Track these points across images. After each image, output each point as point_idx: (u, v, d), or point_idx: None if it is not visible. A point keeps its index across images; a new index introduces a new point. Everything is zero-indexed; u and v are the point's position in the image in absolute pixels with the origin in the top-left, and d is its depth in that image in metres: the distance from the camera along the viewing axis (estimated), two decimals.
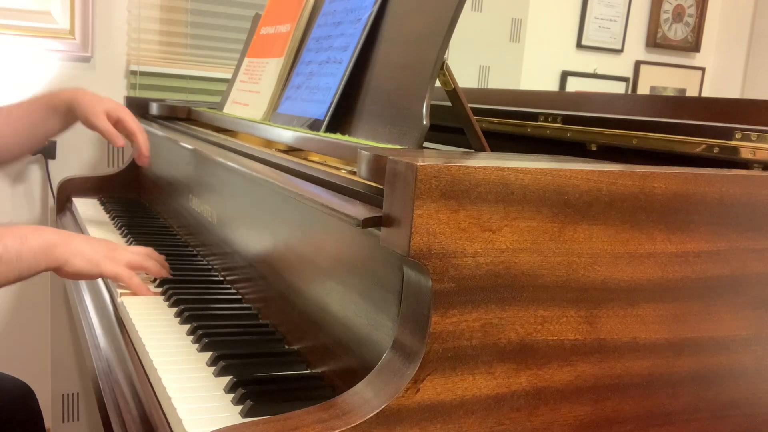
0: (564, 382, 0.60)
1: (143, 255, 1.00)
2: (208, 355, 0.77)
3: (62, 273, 0.91)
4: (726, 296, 0.67)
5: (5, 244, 0.85)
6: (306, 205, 0.77)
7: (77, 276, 0.92)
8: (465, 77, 2.29)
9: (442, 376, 0.54)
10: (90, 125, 1.30)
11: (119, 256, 0.95)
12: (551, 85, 2.52)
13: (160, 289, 0.99)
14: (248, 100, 1.23)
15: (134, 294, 0.96)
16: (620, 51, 2.60)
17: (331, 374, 0.72)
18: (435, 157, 0.57)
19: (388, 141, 0.80)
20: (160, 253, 1.05)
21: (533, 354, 0.58)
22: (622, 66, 2.63)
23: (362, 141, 0.81)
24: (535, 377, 0.58)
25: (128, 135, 1.33)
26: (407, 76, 0.82)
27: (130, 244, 1.22)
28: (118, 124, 1.31)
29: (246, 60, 1.34)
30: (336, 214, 0.62)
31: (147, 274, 1.01)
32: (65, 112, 1.31)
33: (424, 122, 0.76)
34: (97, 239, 0.98)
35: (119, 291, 0.97)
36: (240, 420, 0.64)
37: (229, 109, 1.32)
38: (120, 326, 0.91)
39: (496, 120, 1.04)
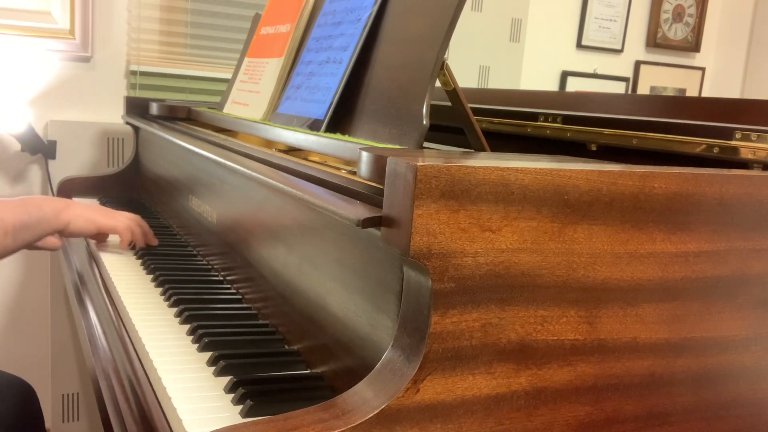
0: (564, 382, 0.60)
1: (133, 220, 1.17)
2: (208, 355, 0.77)
3: (66, 233, 1.08)
4: (726, 296, 0.67)
5: (29, 212, 1.00)
6: (306, 205, 0.77)
7: (79, 234, 1.11)
8: (465, 77, 2.29)
9: (442, 376, 0.54)
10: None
11: (113, 215, 1.15)
12: (551, 85, 2.52)
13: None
14: (248, 100, 1.23)
15: (140, 243, 1.17)
16: (620, 51, 2.60)
17: (331, 374, 0.72)
18: (435, 157, 0.57)
19: (388, 141, 0.80)
20: (160, 253, 1.05)
21: (533, 354, 0.58)
22: (622, 66, 2.63)
23: (362, 141, 0.81)
24: (535, 377, 0.58)
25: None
26: (407, 76, 0.81)
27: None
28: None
29: (246, 60, 1.34)
30: (336, 214, 0.62)
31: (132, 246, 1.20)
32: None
33: (424, 122, 0.76)
34: (93, 205, 1.17)
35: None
36: (240, 420, 0.64)
37: (229, 109, 1.32)
38: (120, 326, 0.91)
39: (496, 120, 1.04)
